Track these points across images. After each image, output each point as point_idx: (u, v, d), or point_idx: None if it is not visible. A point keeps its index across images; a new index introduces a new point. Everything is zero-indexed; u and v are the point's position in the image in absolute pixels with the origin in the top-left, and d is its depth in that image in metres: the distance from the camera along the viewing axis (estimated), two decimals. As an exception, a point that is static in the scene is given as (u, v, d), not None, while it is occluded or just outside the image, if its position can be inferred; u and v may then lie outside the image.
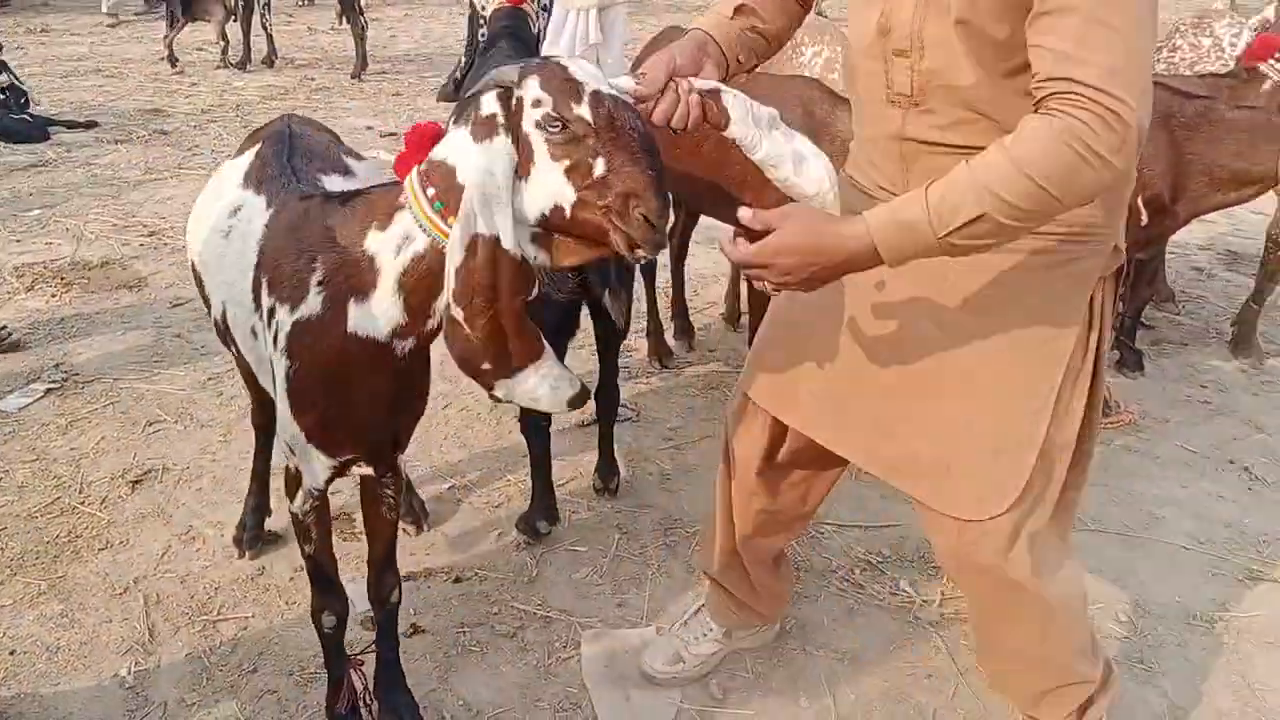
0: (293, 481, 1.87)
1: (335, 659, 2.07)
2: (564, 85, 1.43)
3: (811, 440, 1.91)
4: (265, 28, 9.12)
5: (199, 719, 2.16)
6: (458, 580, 2.60)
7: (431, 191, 1.50)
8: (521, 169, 1.46)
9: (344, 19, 9.16)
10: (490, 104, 1.46)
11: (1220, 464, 3.31)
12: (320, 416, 1.72)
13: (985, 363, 1.68)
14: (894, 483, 1.82)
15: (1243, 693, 2.41)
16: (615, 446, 3.01)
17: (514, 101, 1.45)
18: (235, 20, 8.94)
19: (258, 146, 2.02)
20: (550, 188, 1.44)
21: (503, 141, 1.45)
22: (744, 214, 1.48)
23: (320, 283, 1.63)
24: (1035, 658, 1.93)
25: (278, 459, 2.47)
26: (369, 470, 1.90)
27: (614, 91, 1.47)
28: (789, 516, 2.14)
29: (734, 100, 1.55)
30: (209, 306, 1.99)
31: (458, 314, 1.45)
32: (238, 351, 1.95)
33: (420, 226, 1.52)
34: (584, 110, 1.42)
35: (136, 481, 2.93)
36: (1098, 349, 1.72)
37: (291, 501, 1.88)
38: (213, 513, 2.80)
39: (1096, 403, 1.77)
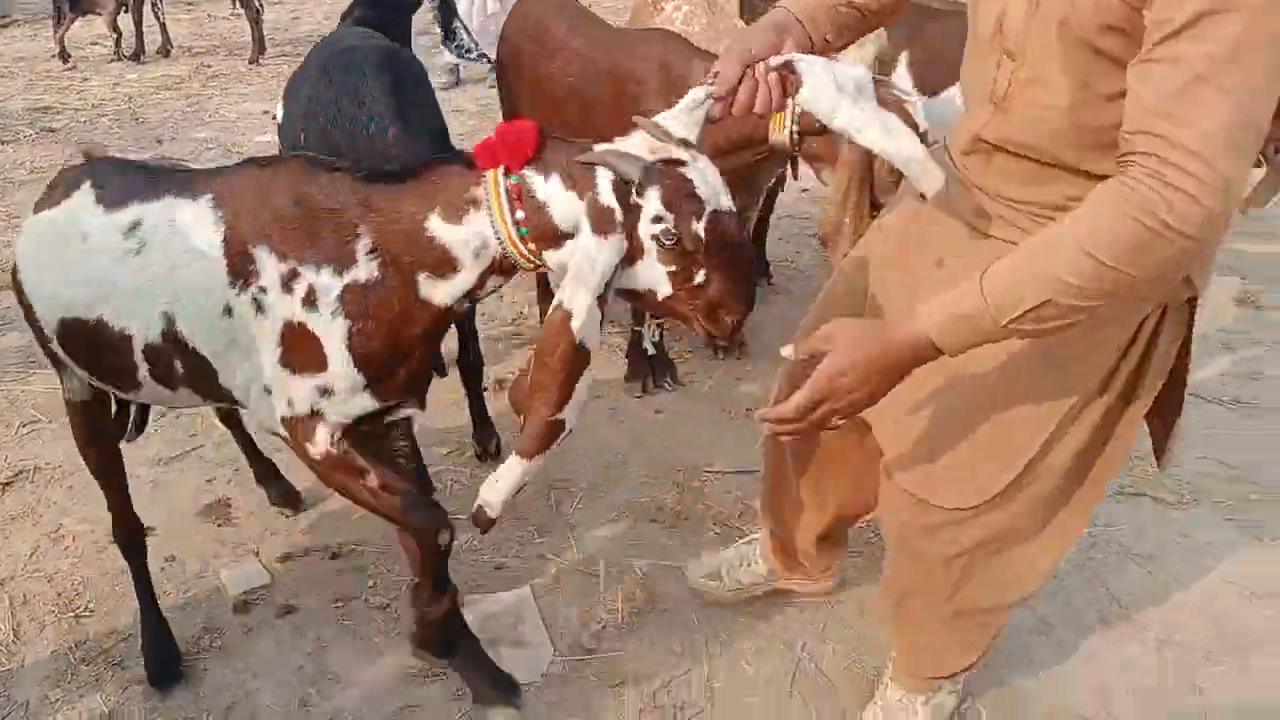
0: (305, 430, 1.83)
1: (445, 580, 2.05)
2: (687, 203, 1.51)
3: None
4: (158, 17, 8.89)
5: (63, 715, 2.14)
6: (334, 556, 2.59)
7: (521, 215, 1.59)
8: (628, 258, 1.56)
9: (238, 2, 8.94)
10: (608, 196, 1.53)
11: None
12: (381, 367, 1.77)
13: (1000, 369, 1.59)
14: (887, 450, 1.78)
15: (1107, 605, 2.47)
16: (488, 409, 3.01)
17: (632, 205, 1.52)
18: (127, 11, 8.70)
19: (89, 181, 1.90)
20: (651, 281, 1.58)
21: (617, 241, 1.53)
22: (786, 350, 1.50)
23: (371, 250, 1.68)
24: (933, 632, 1.96)
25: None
26: (411, 410, 1.96)
27: (731, 208, 1.56)
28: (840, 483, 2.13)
29: (808, 67, 1.45)
30: (101, 348, 1.86)
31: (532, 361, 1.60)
32: (173, 360, 1.84)
33: (498, 239, 1.62)
34: (700, 229, 1.52)
35: (7, 484, 2.88)
36: (1137, 382, 1.60)
37: (314, 444, 1.83)
38: (83, 509, 2.75)
39: (1126, 443, 1.67)
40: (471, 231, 1.63)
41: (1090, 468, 1.70)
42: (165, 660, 2.21)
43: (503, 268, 1.68)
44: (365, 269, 1.69)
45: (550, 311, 1.56)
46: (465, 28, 3.76)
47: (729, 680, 2.24)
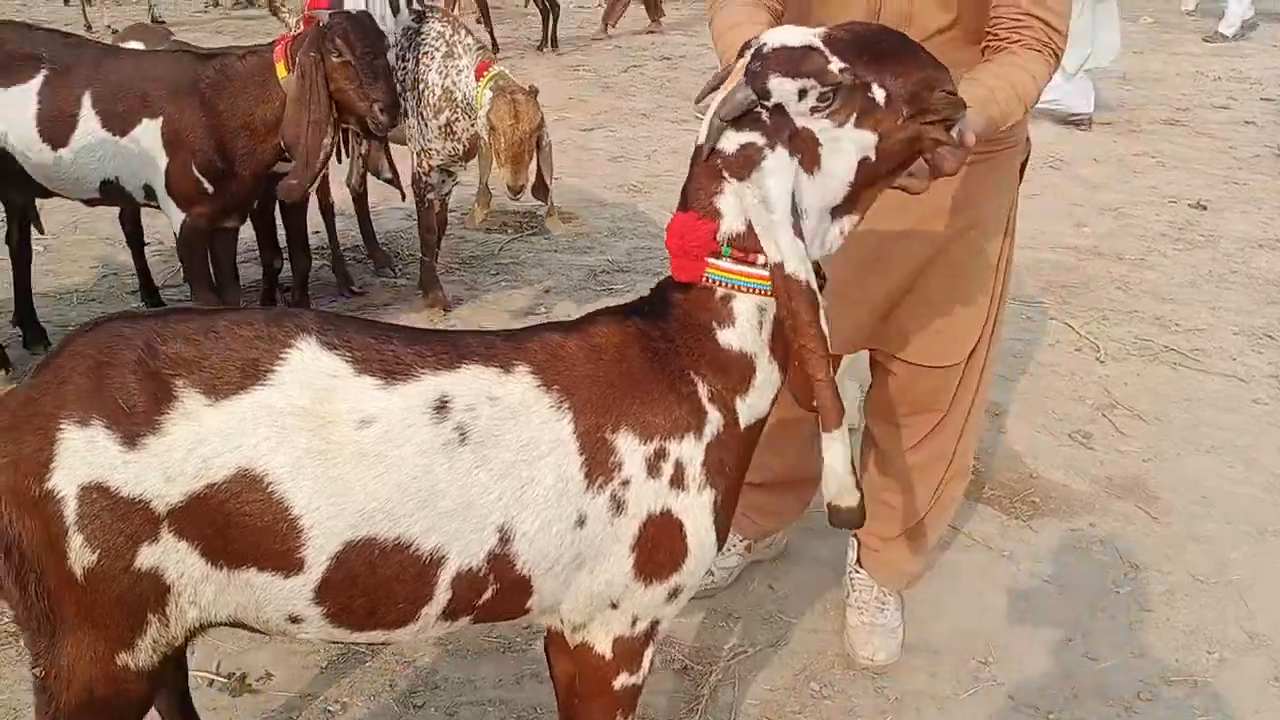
0: (633, 654, 1.58)
1: None
2: (807, 58, 1.34)
3: None
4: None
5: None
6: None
7: (762, 259, 1.39)
8: (808, 164, 1.37)
9: None
10: (736, 137, 1.37)
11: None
12: (729, 523, 1.57)
13: (955, 247, 2.12)
14: (885, 349, 2.26)
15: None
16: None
17: (767, 115, 1.36)
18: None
19: (307, 336, 1.39)
20: (850, 151, 1.37)
21: (774, 163, 1.35)
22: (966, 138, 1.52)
23: (711, 397, 1.47)
24: (945, 461, 2.37)
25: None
26: None
27: (825, 29, 1.39)
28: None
29: None
30: (393, 578, 1.40)
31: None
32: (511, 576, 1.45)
33: (766, 293, 1.41)
34: (837, 63, 1.34)
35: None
36: (1010, 227, 2.22)
37: (634, 673, 1.59)
38: None
39: (1010, 268, 2.27)
40: (744, 317, 1.44)
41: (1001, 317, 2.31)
42: None
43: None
44: (715, 420, 1.47)
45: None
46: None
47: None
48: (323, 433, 1.33)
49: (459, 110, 3.73)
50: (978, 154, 1.76)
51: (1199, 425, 3.56)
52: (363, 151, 4.47)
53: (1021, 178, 2.24)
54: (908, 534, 2.46)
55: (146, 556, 1.33)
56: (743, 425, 1.50)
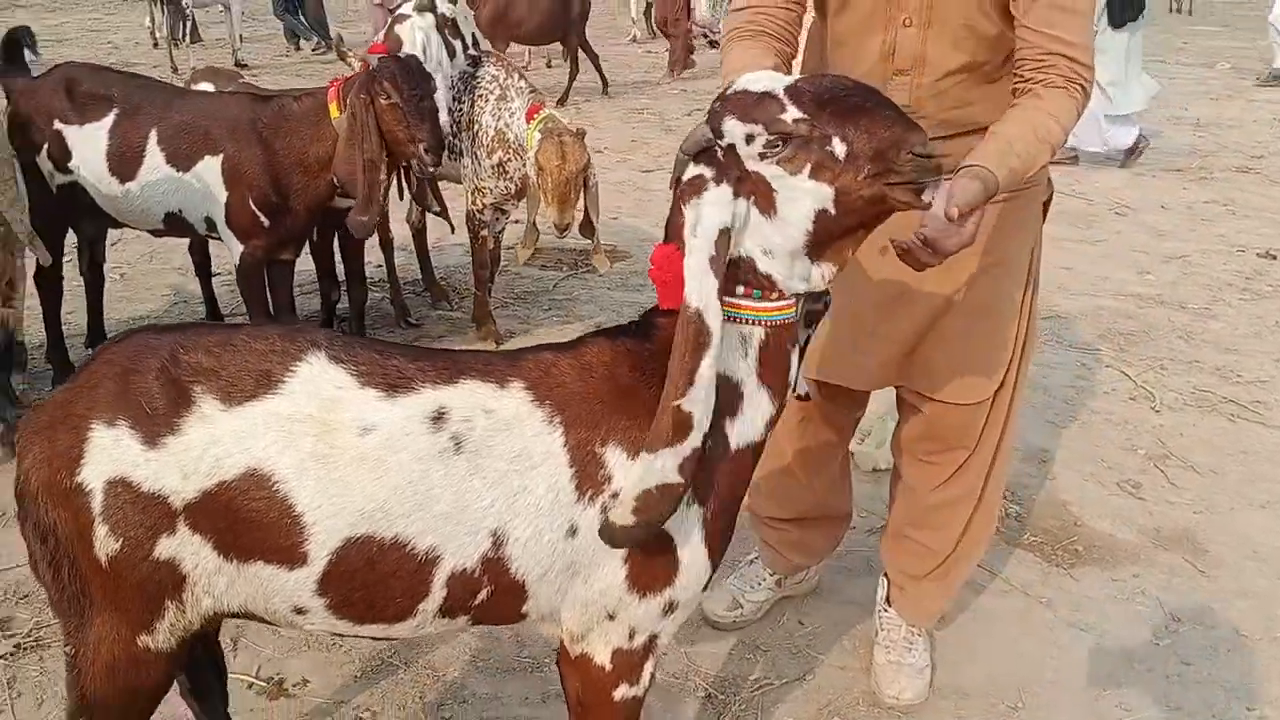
0: (633, 666, 1.61)
1: None
2: (761, 104, 1.37)
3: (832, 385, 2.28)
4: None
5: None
6: None
7: (741, 290, 1.44)
8: (764, 207, 1.41)
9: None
10: (692, 170, 1.42)
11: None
12: (723, 549, 1.59)
13: (979, 284, 2.12)
14: (911, 386, 2.27)
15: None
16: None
17: (720, 154, 1.41)
18: None
19: (317, 351, 1.47)
20: (805, 201, 1.39)
21: (713, 195, 1.39)
22: (949, 211, 1.59)
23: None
24: (973, 500, 2.35)
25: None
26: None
27: (797, 76, 1.43)
28: (829, 447, 2.49)
29: None
30: (389, 573, 1.46)
31: None
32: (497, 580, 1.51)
33: (748, 322, 1.46)
34: (793, 112, 1.36)
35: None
36: (1033, 265, 2.23)
37: (634, 685, 1.63)
38: None
39: (1036, 309, 2.28)
40: (725, 341, 1.43)
41: (1028, 358, 2.30)
42: None
43: (778, 347, 1.50)
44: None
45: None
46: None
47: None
48: (327, 438, 1.40)
49: (511, 151, 3.83)
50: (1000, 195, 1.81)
51: (1255, 479, 3.46)
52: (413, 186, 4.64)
53: (1045, 217, 2.24)
54: (935, 573, 2.44)
55: (164, 547, 1.42)
56: (733, 448, 1.52)
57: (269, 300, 3.51)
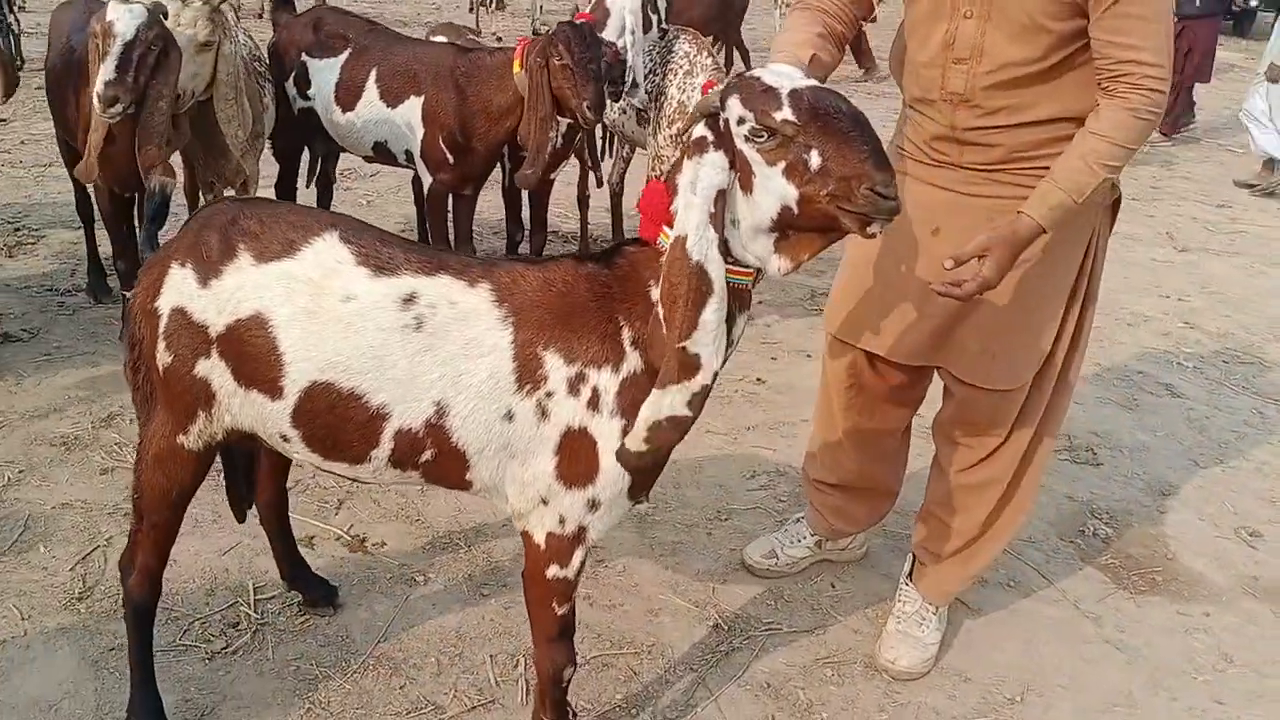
0: (563, 551, 1.85)
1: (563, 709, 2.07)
2: (762, 96, 1.54)
3: (883, 359, 2.43)
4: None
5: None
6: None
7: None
8: (744, 183, 1.59)
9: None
10: (700, 129, 1.61)
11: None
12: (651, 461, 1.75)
13: (1016, 280, 2.17)
14: (944, 365, 2.37)
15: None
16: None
17: (721, 124, 1.59)
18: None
19: (333, 231, 1.79)
20: (774, 192, 1.56)
21: (713, 158, 1.57)
22: (948, 264, 1.97)
23: (633, 341, 1.72)
24: (999, 489, 2.44)
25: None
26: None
27: (812, 83, 1.58)
28: (882, 422, 2.61)
29: None
30: (345, 420, 1.76)
31: (660, 311, 1.64)
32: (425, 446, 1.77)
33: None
34: (785, 113, 1.53)
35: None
36: (1091, 271, 2.29)
37: (564, 568, 1.87)
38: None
39: (1087, 317, 2.34)
40: None
41: (1071, 364, 2.38)
42: None
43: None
44: (632, 361, 1.72)
45: (670, 245, 1.62)
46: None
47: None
48: (317, 299, 1.74)
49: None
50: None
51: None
52: (625, 154, 5.01)
53: (1114, 221, 2.29)
54: (958, 555, 2.52)
55: (201, 367, 1.82)
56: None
57: (449, 229, 3.99)
